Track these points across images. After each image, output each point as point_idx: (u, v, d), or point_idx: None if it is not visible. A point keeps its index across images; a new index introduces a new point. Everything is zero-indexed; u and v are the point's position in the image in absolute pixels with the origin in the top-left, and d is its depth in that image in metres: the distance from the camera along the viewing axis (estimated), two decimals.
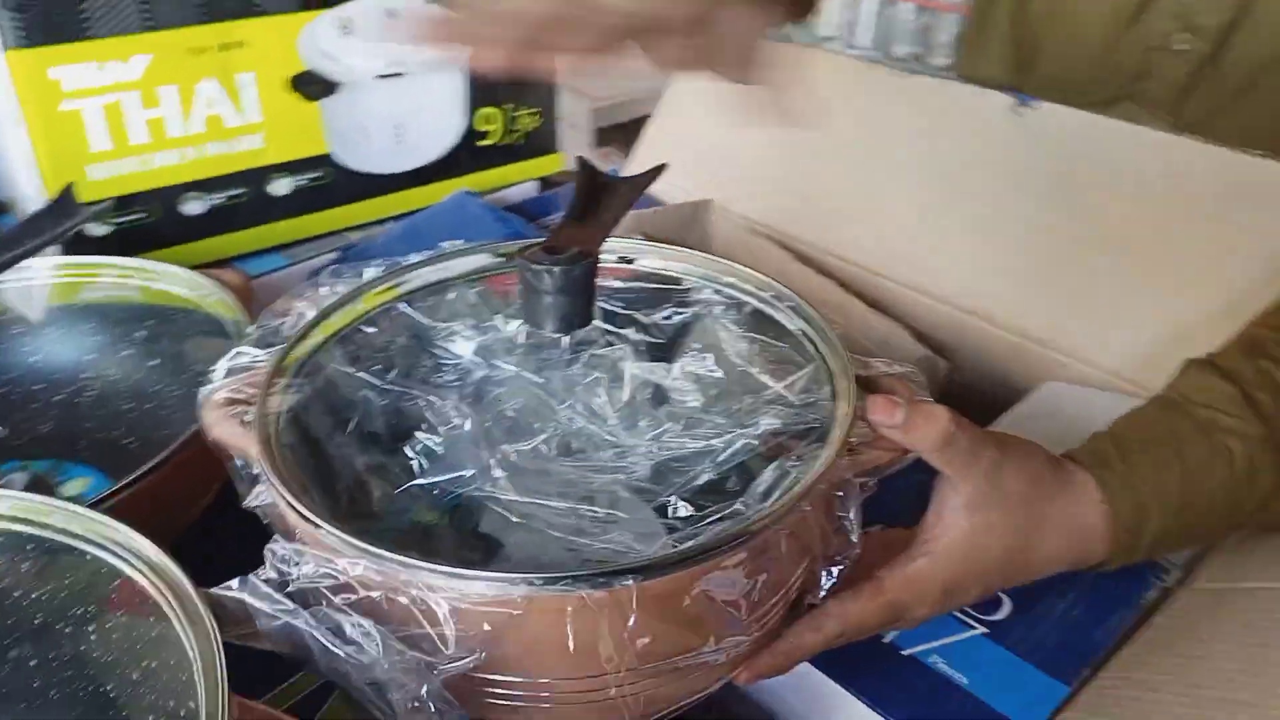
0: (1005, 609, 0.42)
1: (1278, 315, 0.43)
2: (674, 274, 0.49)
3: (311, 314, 0.45)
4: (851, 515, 0.37)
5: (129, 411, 0.53)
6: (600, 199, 0.45)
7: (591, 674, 0.34)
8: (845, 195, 0.70)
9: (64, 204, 0.49)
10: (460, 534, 0.44)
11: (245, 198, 0.69)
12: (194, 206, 0.67)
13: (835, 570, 0.38)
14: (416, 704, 0.32)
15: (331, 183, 0.72)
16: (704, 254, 0.48)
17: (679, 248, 0.48)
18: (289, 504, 0.35)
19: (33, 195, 0.63)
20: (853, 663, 0.41)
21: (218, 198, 0.68)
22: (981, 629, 0.41)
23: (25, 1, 0.57)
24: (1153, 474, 0.39)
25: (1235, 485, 0.39)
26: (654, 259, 0.49)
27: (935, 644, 0.41)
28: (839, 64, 0.73)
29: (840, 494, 0.37)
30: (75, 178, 0.62)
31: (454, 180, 0.78)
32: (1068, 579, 0.41)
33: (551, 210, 0.79)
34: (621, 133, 1.33)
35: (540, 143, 0.82)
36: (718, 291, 0.47)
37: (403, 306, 0.48)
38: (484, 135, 0.79)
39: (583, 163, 0.45)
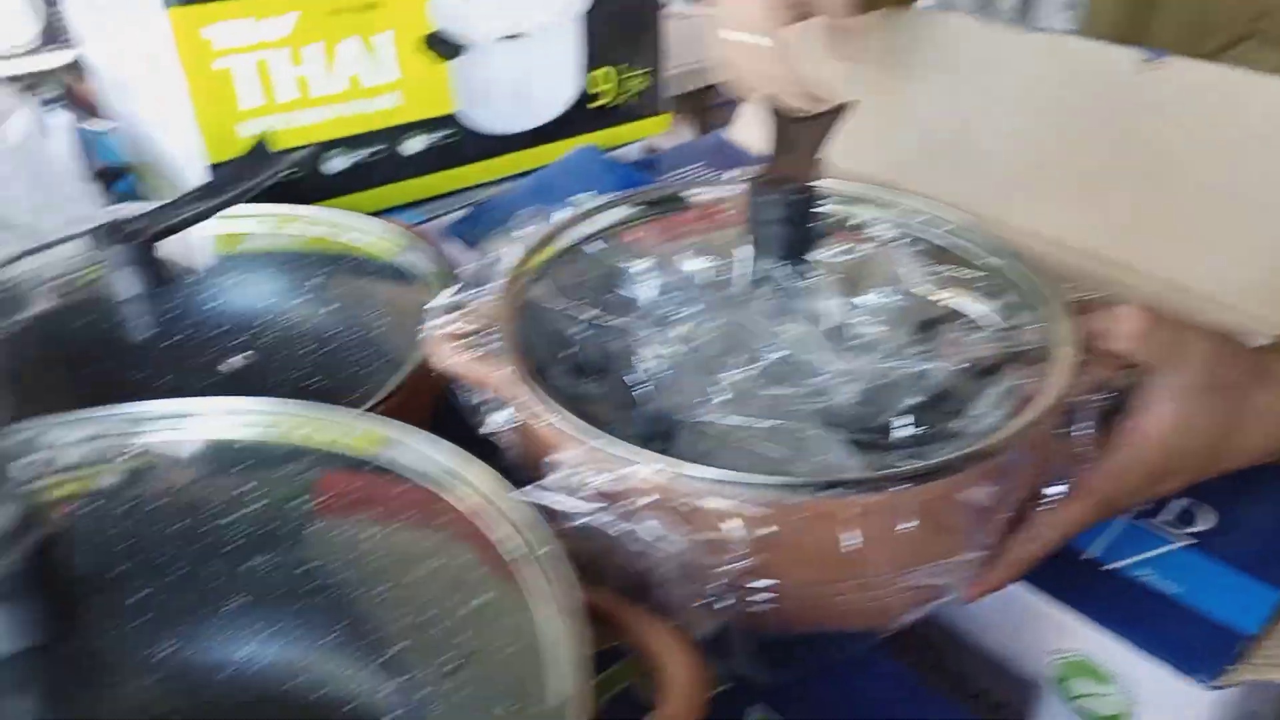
0: (1209, 519, 0.44)
1: None
2: (850, 210, 0.50)
3: (517, 254, 0.46)
4: (1083, 430, 0.39)
5: (311, 353, 0.55)
6: (793, 136, 0.47)
7: (849, 579, 0.36)
8: (964, 151, 0.72)
9: (260, 153, 0.50)
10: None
11: (381, 155, 0.70)
12: (336, 164, 0.69)
13: (1062, 484, 0.39)
14: (702, 602, 0.34)
15: (459, 141, 0.74)
16: (882, 187, 0.49)
17: (857, 182, 0.50)
18: (560, 421, 0.36)
19: (186, 152, 0.64)
20: (1057, 579, 0.42)
21: (357, 155, 0.69)
22: (1186, 540, 0.43)
23: None
24: None
25: None
26: (832, 199, 0.50)
27: (1140, 557, 0.43)
28: (962, 24, 0.74)
29: (1071, 409, 0.39)
30: (229, 134, 0.64)
31: (568, 141, 0.79)
32: (1267, 486, 0.43)
33: (667, 168, 0.80)
34: (686, 101, 1.34)
35: (648, 104, 0.84)
36: (898, 225, 0.49)
37: (595, 246, 0.49)
38: (596, 96, 0.80)
39: (773, 104, 0.47)
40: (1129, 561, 0.43)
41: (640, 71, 0.82)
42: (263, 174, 0.49)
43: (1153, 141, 0.64)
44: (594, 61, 0.79)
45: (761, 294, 0.48)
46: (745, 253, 0.46)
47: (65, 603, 0.26)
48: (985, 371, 0.43)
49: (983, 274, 0.46)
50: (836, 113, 0.47)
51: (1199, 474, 0.42)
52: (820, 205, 0.49)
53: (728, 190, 0.50)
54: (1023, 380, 0.40)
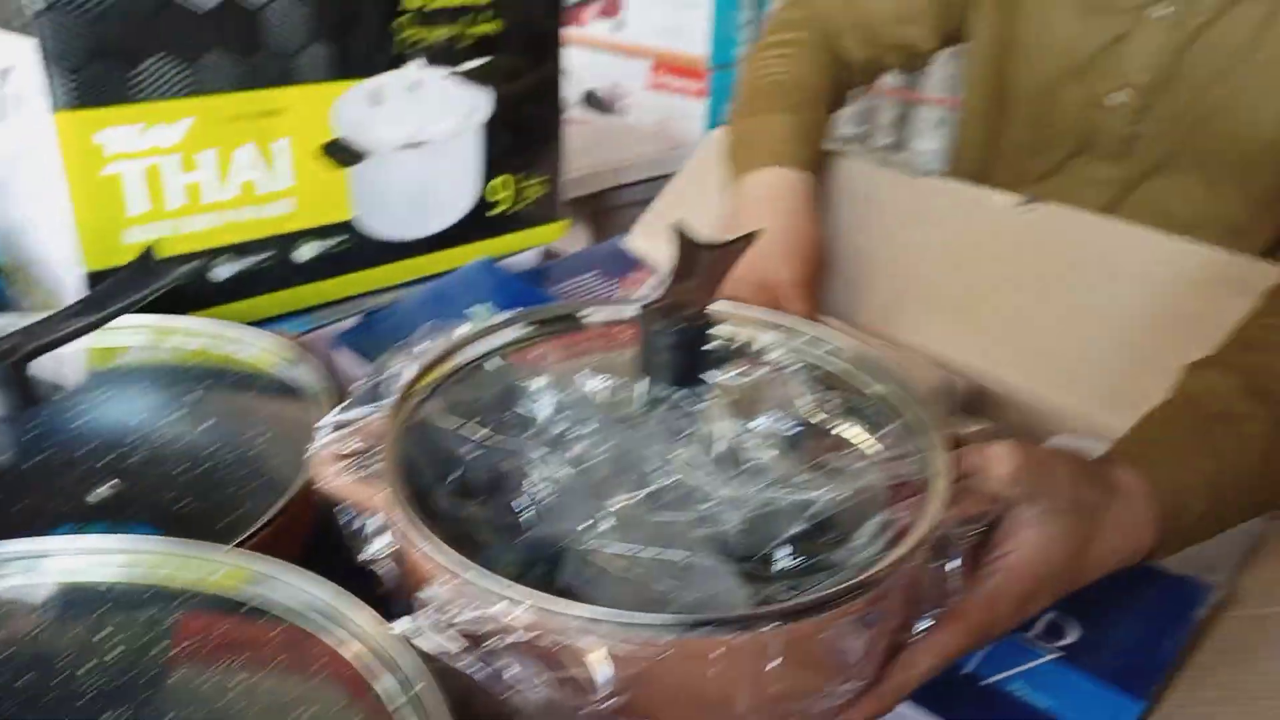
0: (1074, 632, 0.46)
1: (1264, 314, 0.49)
2: (745, 336, 0.52)
3: (411, 370, 0.46)
4: (954, 563, 0.40)
5: (181, 473, 0.53)
6: (697, 262, 0.48)
7: (719, 716, 0.36)
8: (855, 279, 0.75)
9: (145, 265, 0.49)
10: (548, 588, 0.45)
11: (272, 262, 0.70)
12: (224, 270, 0.68)
13: (934, 614, 0.40)
14: None
15: (353, 248, 0.74)
16: (777, 315, 0.51)
17: (752, 308, 0.51)
18: (432, 549, 0.36)
19: (65, 258, 0.62)
20: (937, 697, 0.43)
21: (247, 262, 0.68)
22: (1056, 654, 0.45)
23: (79, 63, 0.58)
24: (1189, 461, 0.43)
25: (1257, 468, 0.43)
26: (729, 323, 0.51)
27: (1014, 671, 0.44)
28: (851, 165, 0.78)
29: (943, 542, 0.40)
30: (111, 241, 0.62)
31: (465, 247, 0.80)
32: (1126, 600, 0.45)
33: (559, 279, 0.81)
34: (580, 206, 1.35)
35: (545, 211, 0.85)
36: (792, 352, 0.50)
37: (491, 363, 0.49)
38: (494, 204, 0.81)
39: (680, 230, 0.48)
40: (1003, 675, 0.44)
41: (538, 179, 0.83)
42: (147, 287, 0.48)
43: (1022, 270, 0.69)
44: (492, 169, 0.80)
45: (657, 415, 0.49)
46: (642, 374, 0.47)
47: None
48: (867, 501, 0.44)
49: (871, 402, 0.48)
50: (743, 242, 0.49)
51: (1064, 590, 0.43)
52: (714, 333, 0.51)
53: (626, 311, 0.51)
54: (899, 513, 0.41)
